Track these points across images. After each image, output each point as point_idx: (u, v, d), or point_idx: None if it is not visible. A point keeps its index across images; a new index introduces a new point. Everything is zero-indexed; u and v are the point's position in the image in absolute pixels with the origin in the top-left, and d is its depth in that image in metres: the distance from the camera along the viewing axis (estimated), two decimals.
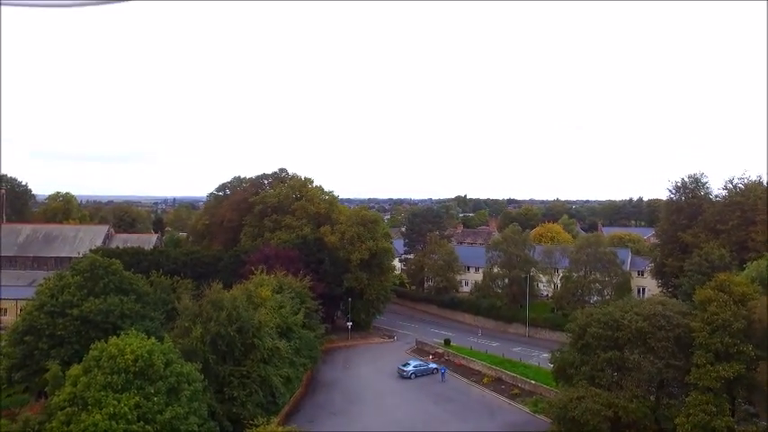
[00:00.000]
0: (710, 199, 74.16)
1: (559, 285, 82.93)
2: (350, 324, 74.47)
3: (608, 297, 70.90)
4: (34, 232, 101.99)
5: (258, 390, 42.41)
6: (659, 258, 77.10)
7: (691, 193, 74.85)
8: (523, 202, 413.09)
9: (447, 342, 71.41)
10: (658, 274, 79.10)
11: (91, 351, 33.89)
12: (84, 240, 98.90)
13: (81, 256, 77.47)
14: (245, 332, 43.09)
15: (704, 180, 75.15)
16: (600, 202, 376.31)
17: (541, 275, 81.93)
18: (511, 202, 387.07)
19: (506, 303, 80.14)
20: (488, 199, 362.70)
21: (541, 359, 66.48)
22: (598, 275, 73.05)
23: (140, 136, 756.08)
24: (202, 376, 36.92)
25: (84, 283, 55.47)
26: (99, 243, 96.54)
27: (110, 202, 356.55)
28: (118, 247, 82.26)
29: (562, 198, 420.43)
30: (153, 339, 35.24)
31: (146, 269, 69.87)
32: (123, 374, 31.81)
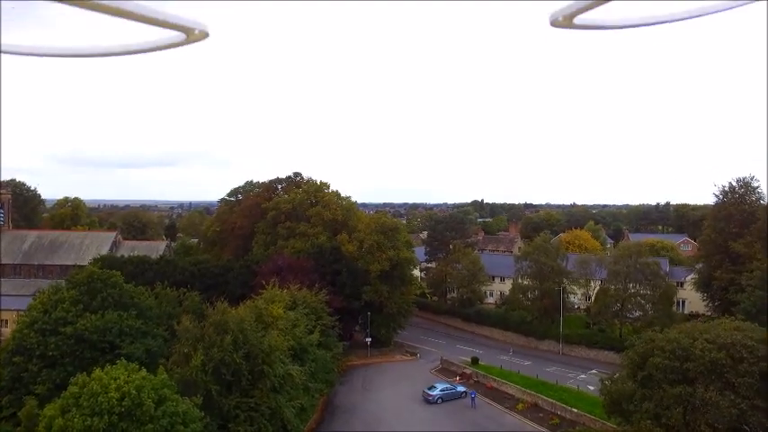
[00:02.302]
0: (763, 205, 67.83)
1: (592, 298, 77.01)
2: (369, 340, 69.10)
3: (651, 312, 64.89)
4: (39, 239, 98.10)
5: (268, 424, 37.22)
6: (706, 270, 70.90)
7: (740, 199, 68.60)
8: (540, 206, 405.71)
9: (475, 360, 65.76)
10: (704, 286, 72.92)
11: (70, 386, 28.97)
12: (90, 248, 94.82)
13: (87, 264, 74.03)
14: (253, 358, 37.96)
15: (755, 184, 68.91)
16: (617, 207, 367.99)
17: (575, 287, 75.92)
18: (528, 206, 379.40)
19: (537, 317, 74.23)
20: (505, 203, 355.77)
21: (580, 381, 60.72)
22: (639, 288, 66.90)
23: (158, 141, 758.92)
24: (203, 413, 31.85)
25: (81, 298, 51.24)
26: (105, 251, 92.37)
27: (126, 207, 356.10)
28: (122, 256, 77.89)
29: (579, 202, 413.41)
30: (144, 372, 30.18)
31: (151, 280, 65.69)
32: (106, 416, 26.79)
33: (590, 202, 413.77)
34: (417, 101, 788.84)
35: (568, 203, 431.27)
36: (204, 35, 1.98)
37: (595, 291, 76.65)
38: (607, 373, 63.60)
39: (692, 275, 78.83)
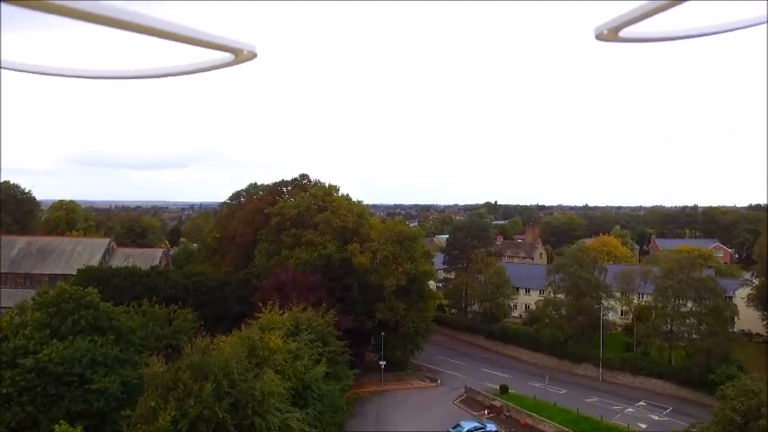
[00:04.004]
0: None
1: (633, 315, 68.57)
2: (383, 364, 61.19)
3: (707, 335, 56.48)
4: (28, 246, 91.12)
5: None
6: (766, 285, 62.43)
7: None
8: (552, 207, 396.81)
9: (504, 389, 57.73)
10: (762, 303, 64.39)
11: None
12: (81, 255, 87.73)
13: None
14: (241, 408, 30.28)
15: None
16: (632, 208, 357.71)
17: (615, 303, 67.70)
18: (541, 208, 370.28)
19: (572, 337, 65.97)
20: (518, 205, 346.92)
21: (628, 416, 52.43)
22: (693, 306, 58.56)
23: (171, 142, 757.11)
24: None
25: (48, 321, 44.23)
26: (98, 259, 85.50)
27: (137, 208, 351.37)
28: (110, 267, 70.75)
29: (591, 203, 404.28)
30: None
31: (140, 294, 58.57)
32: None
33: (602, 204, 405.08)
34: (427, 101, 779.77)
35: (581, 205, 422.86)
36: (253, 55, 1.94)
37: (634, 307, 68.27)
38: (659, 406, 55.53)
39: (749, 290, 69.88)
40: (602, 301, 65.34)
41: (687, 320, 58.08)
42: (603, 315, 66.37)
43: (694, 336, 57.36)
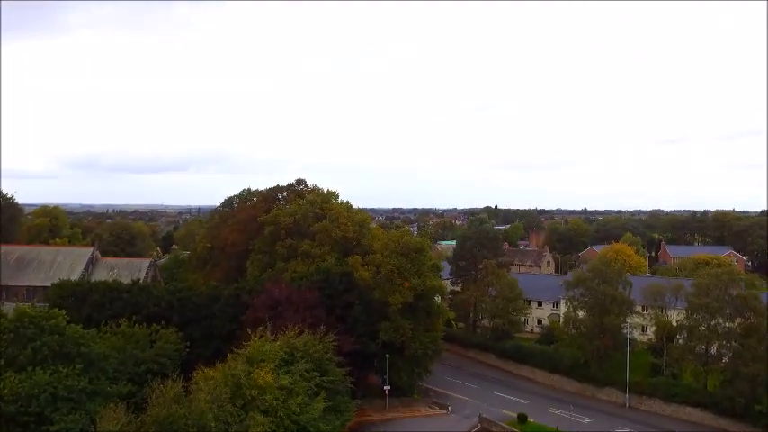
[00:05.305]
0: None
1: (658, 331, 62.77)
2: (387, 389, 55.37)
3: (751, 361, 50.61)
4: (6, 255, 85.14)
5: None
6: None
7: None
8: (552, 211, 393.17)
9: (522, 418, 51.90)
10: None
11: None
12: (62, 266, 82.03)
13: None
14: None
15: None
16: (630, 212, 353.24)
17: (639, 320, 62.02)
18: (541, 212, 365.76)
19: (594, 358, 60.17)
20: (518, 209, 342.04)
21: None
22: (729, 325, 52.91)
23: (171, 145, 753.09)
24: None
25: (3, 350, 38.82)
26: (80, 270, 79.99)
27: (135, 212, 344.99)
28: (88, 282, 64.88)
29: (590, 207, 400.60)
30: None
31: (120, 312, 53.12)
32: None
33: (601, 207, 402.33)
34: (426, 104, 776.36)
35: (579, 209, 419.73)
36: None
37: (662, 325, 62.45)
38: None
39: None
40: (627, 320, 59.58)
41: (725, 342, 52.28)
42: (629, 334, 60.58)
43: (736, 359, 51.36)
